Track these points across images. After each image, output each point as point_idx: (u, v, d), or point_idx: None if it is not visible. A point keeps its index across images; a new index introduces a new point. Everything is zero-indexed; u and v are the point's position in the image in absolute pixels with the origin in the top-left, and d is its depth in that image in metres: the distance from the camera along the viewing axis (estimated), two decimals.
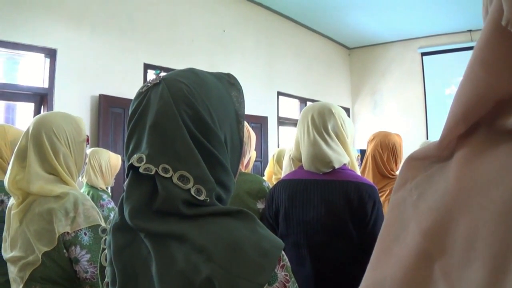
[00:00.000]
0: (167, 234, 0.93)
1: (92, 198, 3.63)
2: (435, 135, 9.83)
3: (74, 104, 5.31)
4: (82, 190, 3.35)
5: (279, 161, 4.20)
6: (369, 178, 3.42)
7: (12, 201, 2.06)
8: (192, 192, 0.95)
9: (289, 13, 9.28)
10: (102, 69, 5.71)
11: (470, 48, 9.36)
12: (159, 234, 0.94)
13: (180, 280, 0.88)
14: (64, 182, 2.05)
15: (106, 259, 1.06)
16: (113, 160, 4.05)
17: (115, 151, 4.76)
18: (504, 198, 0.42)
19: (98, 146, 5.21)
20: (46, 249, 1.86)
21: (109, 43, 5.82)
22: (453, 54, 9.98)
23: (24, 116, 5.32)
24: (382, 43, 11.28)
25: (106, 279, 1.05)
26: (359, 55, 11.94)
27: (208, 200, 0.98)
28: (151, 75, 6.38)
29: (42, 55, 5.23)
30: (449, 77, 9.98)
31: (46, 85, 5.22)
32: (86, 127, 2.24)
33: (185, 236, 0.92)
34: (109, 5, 5.86)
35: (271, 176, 4.27)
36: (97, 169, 3.89)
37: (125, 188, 1.02)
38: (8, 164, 2.10)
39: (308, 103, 9.43)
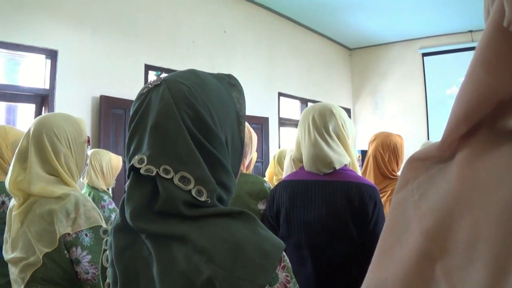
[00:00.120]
0: (168, 235, 0.94)
1: (93, 199, 3.63)
2: (436, 136, 9.82)
3: (75, 105, 5.31)
4: (83, 191, 3.35)
5: (280, 162, 4.20)
6: (370, 178, 3.42)
7: (13, 202, 2.06)
8: (193, 193, 0.96)
9: (290, 14, 9.28)
10: (103, 70, 5.71)
11: (471, 48, 9.37)
12: (160, 235, 0.94)
13: (181, 281, 0.88)
14: (65, 183, 2.05)
15: (107, 260, 1.06)
16: (114, 161, 4.06)
17: (116, 152, 4.77)
18: (506, 198, 0.42)
19: (99, 147, 5.20)
20: (47, 250, 1.86)
21: (110, 44, 5.82)
22: (454, 55, 9.98)
23: (25, 117, 5.32)
24: (383, 43, 11.28)
25: (107, 280, 1.05)
26: (360, 55, 11.94)
27: (209, 201, 0.98)
28: (152, 76, 6.39)
29: (43, 56, 5.23)
30: (450, 77, 9.98)
31: (47, 86, 5.22)
32: (87, 128, 2.24)
33: (186, 237, 0.92)
34: (110, 6, 5.87)
35: (272, 177, 4.27)
36: (98, 170, 3.89)
37: (126, 189, 1.02)
38: (9, 165, 2.10)
39: (309, 103, 9.45)
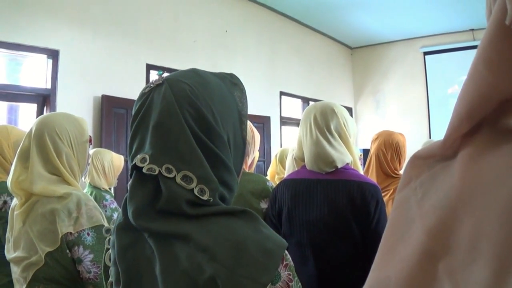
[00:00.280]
0: (171, 234, 0.94)
1: (95, 199, 3.63)
2: (438, 134, 9.82)
3: (76, 104, 5.32)
4: (85, 191, 3.35)
5: (281, 161, 4.20)
6: (372, 177, 3.42)
7: (15, 202, 2.07)
8: (196, 192, 0.96)
9: (291, 13, 9.28)
10: (105, 69, 5.71)
11: (473, 47, 9.36)
12: (162, 234, 0.94)
13: (184, 279, 0.88)
14: (67, 182, 2.06)
15: (110, 259, 1.06)
16: (115, 161, 4.06)
17: (118, 152, 4.76)
18: (508, 197, 0.42)
19: (100, 146, 5.21)
20: (49, 250, 1.86)
21: (111, 43, 5.82)
22: (455, 53, 9.97)
23: (26, 117, 5.32)
24: (385, 42, 11.27)
25: (110, 279, 1.05)
26: (361, 54, 11.92)
27: (212, 200, 0.98)
28: (154, 75, 6.39)
29: (44, 56, 5.23)
30: (452, 76, 9.97)
31: (48, 86, 5.22)
32: (88, 128, 2.24)
33: (188, 236, 0.92)
34: (111, 6, 5.87)
35: (273, 176, 4.27)
36: (100, 169, 3.89)
37: (128, 188, 1.02)
38: (11, 165, 2.10)
39: (311, 102, 9.44)
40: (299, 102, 10.05)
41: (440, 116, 10.18)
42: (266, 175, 4.88)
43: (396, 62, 11.11)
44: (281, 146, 8.48)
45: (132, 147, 1.04)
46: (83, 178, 2.28)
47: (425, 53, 10.62)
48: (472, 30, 9.67)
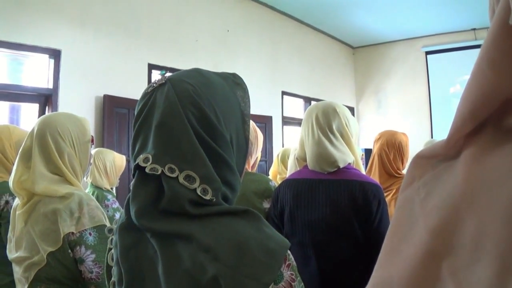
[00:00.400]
0: (173, 233, 0.94)
1: (97, 199, 3.63)
2: (440, 134, 9.82)
3: (78, 104, 5.32)
4: (86, 191, 3.36)
5: (283, 160, 4.20)
6: (375, 177, 3.42)
7: (17, 202, 2.07)
8: (198, 192, 0.96)
9: (293, 13, 9.28)
10: (107, 69, 5.71)
11: (474, 46, 9.37)
12: (165, 233, 0.94)
13: (186, 279, 0.88)
14: (68, 182, 2.06)
15: (112, 259, 1.06)
16: (117, 161, 4.07)
17: (120, 152, 4.77)
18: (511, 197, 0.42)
19: (102, 146, 5.21)
20: (51, 249, 1.86)
21: (113, 43, 5.83)
22: (457, 53, 9.97)
23: (28, 117, 5.33)
24: (386, 42, 11.26)
25: (112, 279, 1.05)
26: (363, 54, 11.92)
27: (214, 199, 0.98)
28: (157, 75, 6.38)
29: (46, 56, 5.23)
30: (454, 75, 9.97)
31: (50, 86, 5.22)
32: (90, 128, 2.24)
33: (191, 236, 0.92)
34: (113, 5, 5.87)
35: (275, 176, 4.27)
36: (102, 169, 3.90)
37: (131, 188, 1.02)
38: (13, 164, 2.10)
39: (313, 102, 9.43)
40: (301, 101, 10.05)
41: (442, 116, 10.17)
42: (268, 175, 4.89)
43: (398, 62, 11.11)
44: (283, 146, 8.48)
45: (134, 147, 1.05)
46: (85, 178, 2.28)
47: (427, 53, 10.62)
48: (474, 29, 9.67)
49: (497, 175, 0.45)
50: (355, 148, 2.32)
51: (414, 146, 3.54)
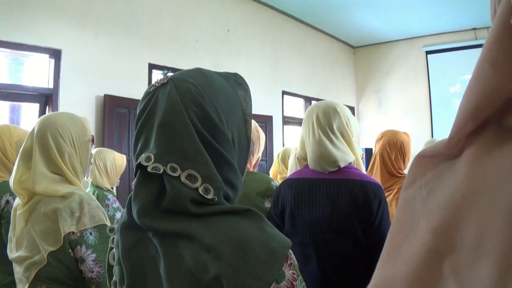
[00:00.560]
0: (175, 233, 0.94)
1: (97, 198, 3.63)
2: (440, 133, 9.84)
3: (79, 104, 5.32)
4: (87, 190, 3.36)
5: (284, 160, 4.21)
6: (377, 177, 3.42)
7: (17, 201, 2.07)
8: (200, 191, 0.96)
9: (294, 12, 9.28)
10: (107, 69, 5.71)
11: (475, 46, 9.37)
12: (167, 233, 0.95)
13: (188, 279, 0.88)
14: (69, 182, 2.06)
15: (114, 258, 1.06)
16: (118, 160, 4.06)
17: (120, 151, 4.78)
18: None
19: (103, 146, 5.22)
20: (51, 249, 1.86)
21: (114, 43, 5.83)
22: (457, 52, 9.97)
23: (29, 116, 5.33)
24: (387, 41, 11.26)
25: (114, 278, 1.05)
26: (363, 53, 11.92)
27: (216, 199, 0.98)
28: (156, 75, 6.40)
29: (46, 56, 5.24)
30: (454, 75, 9.97)
31: (51, 86, 5.22)
32: (91, 127, 2.24)
33: (193, 235, 0.92)
34: (113, 5, 5.87)
35: (276, 176, 4.28)
36: (102, 169, 3.90)
37: (133, 187, 1.02)
38: (14, 164, 2.11)
39: (313, 102, 9.41)
40: (301, 101, 10.05)
41: (442, 115, 10.18)
42: (268, 174, 4.89)
43: (398, 61, 11.11)
44: (283, 146, 8.49)
45: (136, 146, 1.05)
46: (85, 178, 2.28)
47: (428, 52, 10.62)
48: (475, 29, 9.66)
49: (498, 174, 0.45)
50: (356, 148, 2.32)
51: (415, 146, 3.54)
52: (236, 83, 1.18)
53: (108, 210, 3.69)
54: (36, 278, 1.87)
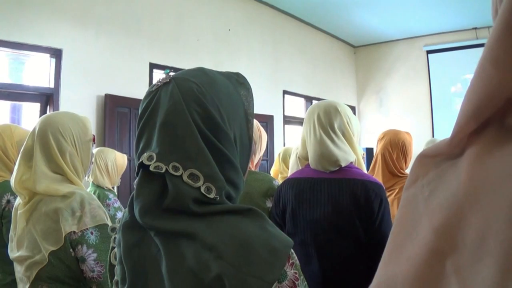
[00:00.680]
0: (177, 232, 0.94)
1: (98, 198, 3.64)
2: (441, 133, 9.85)
3: (80, 104, 5.32)
4: (88, 190, 3.36)
5: (285, 160, 4.21)
6: (378, 176, 3.41)
7: (18, 201, 2.07)
8: (202, 190, 0.96)
9: (295, 12, 9.28)
10: (108, 68, 5.72)
11: (476, 45, 9.36)
12: (169, 232, 0.95)
13: (190, 278, 0.88)
14: (70, 181, 2.06)
15: (115, 258, 1.07)
16: (119, 160, 4.06)
17: (121, 151, 4.78)
18: None
19: (104, 145, 5.23)
20: (52, 249, 1.86)
21: (114, 42, 5.83)
22: (458, 52, 9.97)
23: (30, 116, 5.34)
24: (388, 41, 11.27)
25: (115, 278, 1.05)
26: (364, 53, 11.93)
27: (218, 198, 0.98)
28: (157, 74, 6.40)
29: (47, 55, 5.24)
30: (455, 75, 9.98)
31: (51, 85, 5.23)
32: (92, 127, 2.25)
33: (195, 234, 0.92)
34: (114, 4, 5.87)
35: (277, 175, 4.28)
36: (103, 168, 3.90)
37: (135, 186, 1.03)
38: (15, 164, 2.11)
39: (314, 101, 9.44)
40: (302, 101, 10.06)
41: (443, 115, 10.19)
42: (269, 174, 4.89)
43: (399, 61, 11.12)
44: (284, 145, 8.49)
45: (138, 145, 1.05)
46: (86, 177, 2.28)
47: (428, 52, 10.63)
48: (475, 28, 9.66)
49: (500, 174, 0.45)
50: (357, 147, 2.32)
51: (415, 145, 3.55)
52: (238, 82, 1.18)
53: (109, 210, 3.69)
54: (37, 278, 1.87)
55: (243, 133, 1.13)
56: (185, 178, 0.96)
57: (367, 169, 3.49)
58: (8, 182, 2.45)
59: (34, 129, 2.07)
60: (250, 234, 0.94)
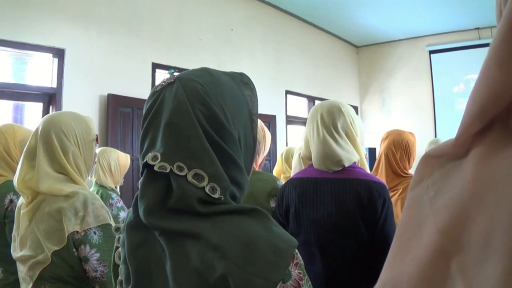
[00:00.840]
0: (182, 232, 0.94)
1: (101, 197, 3.63)
2: (443, 133, 9.84)
3: (82, 103, 5.33)
4: (91, 190, 3.36)
5: (287, 160, 4.20)
6: (382, 176, 3.41)
7: (21, 201, 2.07)
8: (207, 190, 0.96)
9: (297, 12, 9.27)
10: (110, 68, 5.72)
11: (478, 46, 9.35)
12: (173, 232, 0.95)
13: (195, 278, 0.88)
14: (73, 181, 2.06)
15: (120, 257, 1.07)
16: (122, 159, 4.07)
17: (124, 150, 4.79)
18: None
19: (107, 145, 5.22)
20: (55, 248, 1.87)
21: (117, 42, 5.84)
22: (461, 52, 9.96)
23: (32, 116, 5.34)
24: (390, 41, 11.26)
25: (119, 277, 1.05)
26: (367, 53, 11.92)
27: (223, 198, 0.98)
28: (160, 74, 6.41)
29: (50, 55, 5.25)
30: (457, 75, 9.97)
31: (54, 85, 5.24)
32: (95, 126, 2.25)
33: (199, 234, 0.92)
34: (116, 4, 5.88)
35: (279, 175, 4.27)
36: (106, 168, 3.90)
37: (139, 186, 1.03)
38: (18, 163, 2.11)
39: (316, 101, 9.45)
40: (304, 101, 10.06)
41: (445, 115, 10.18)
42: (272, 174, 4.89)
43: (401, 61, 11.11)
44: (286, 145, 8.49)
45: (143, 145, 1.05)
46: (89, 177, 2.28)
47: (431, 52, 10.62)
48: (478, 28, 9.65)
49: (505, 174, 0.45)
50: (360, 147, 2.32)
51: (418, 145, 3.54)
52: (242, 82, 1.18)
53: (112, 210, 3.69)
54: (40, 277, 1.88)
55: (247, 133, 1.13)
56: (189, 178, 0.96)
57: (370, 169, 3.49)
58: (11, 181, 2.46)
59: (37, 129, 2.07)
60: (254, 234, 0.94)
